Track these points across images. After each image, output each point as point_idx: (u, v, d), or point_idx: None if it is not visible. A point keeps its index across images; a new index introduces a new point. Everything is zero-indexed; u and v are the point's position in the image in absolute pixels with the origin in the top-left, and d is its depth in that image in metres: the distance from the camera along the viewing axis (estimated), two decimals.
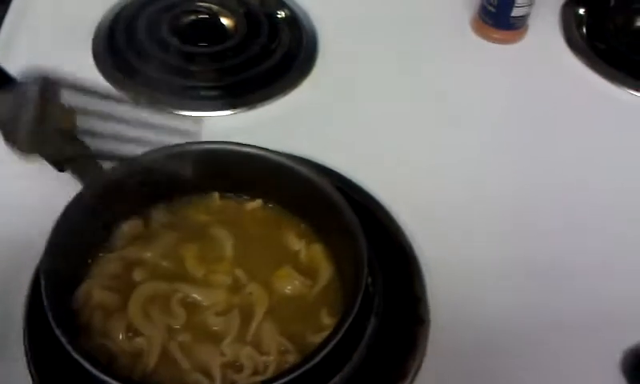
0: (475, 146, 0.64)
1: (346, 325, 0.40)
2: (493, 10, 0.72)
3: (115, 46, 0.68)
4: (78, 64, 0.66)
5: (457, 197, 0.59)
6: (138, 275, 0.47)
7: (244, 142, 0.51)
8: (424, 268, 0.53)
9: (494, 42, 0.74)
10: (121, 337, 0.44)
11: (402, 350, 0.48)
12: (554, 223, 0.58)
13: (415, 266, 0.53)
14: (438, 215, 0.57)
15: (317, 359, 0.38)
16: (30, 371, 0.45)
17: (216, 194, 0.51)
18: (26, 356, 0.46)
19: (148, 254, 0.48)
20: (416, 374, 0.47)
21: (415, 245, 0.54)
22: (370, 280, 0.49)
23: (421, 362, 0.48)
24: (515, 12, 0.71)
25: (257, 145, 0.51)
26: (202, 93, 0.66)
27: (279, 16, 0.73)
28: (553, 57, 0.73)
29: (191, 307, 0.46)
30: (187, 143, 0.50)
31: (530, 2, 0.71)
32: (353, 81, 0.69)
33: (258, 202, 0.52)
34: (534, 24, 0.75)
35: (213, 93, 0.66)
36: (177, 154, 0.49)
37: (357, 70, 0.70)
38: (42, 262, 0.41)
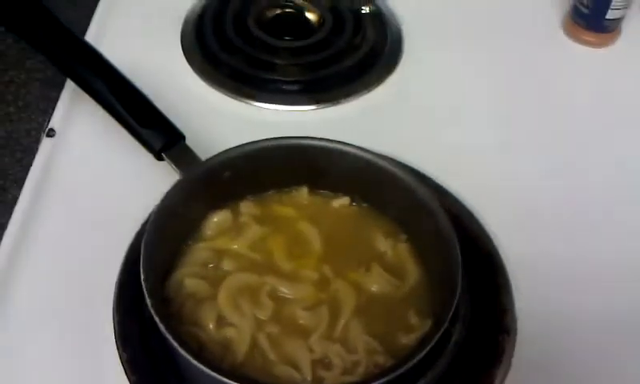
0: (564, 151, 0.62)
1: (443, 328, 0.39)
2: (585, 10, 0.69)
3: (203, 38, 0.69)
4: (167, 55, 0.68)
5: (546, 204, 0.57)
6: (227, 265, 0.47)
7: (326, 137, 0.51)
8: (511, 277, 0.51)
9: (584, 45, 0.71)
10: (211, 326, 0.44)
11: (488, 359, 0.47)
12: None
13: (503, 274, 0.51)
14: (526, 223, 0.55)
15: (411, 363, 0.38)
16: (119, 354, 0.46)
17: (305, 189, 0.51)
18: (116, 339, 0.47)
19: (236, 246, 0.49)
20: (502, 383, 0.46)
21: (502, 253, 0.52)
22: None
23: (506, 372, 0.46)
24: (610, 14, 0.69)
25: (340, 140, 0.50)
26: (285, 87, 0.66)
27: (364, 12, 0.72)
28: None
29: (279, 300, 0.46)
30: (279, 138, 0.50)
31: (626, 4, 0.69)
32: (437, 80, 0.68)
33: (345, 200, 0.51)
34: (626, 27, 0.72)
35: (295, 87, 0.66)
36: (269, 147, 0.49)
37: (442, 69, 0.69)
38: (142, 245, 0.42)
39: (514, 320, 0.49)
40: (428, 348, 0.38)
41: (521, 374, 0.46)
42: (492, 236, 0.54)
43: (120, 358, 0.46)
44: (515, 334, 0.48)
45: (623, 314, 0.50)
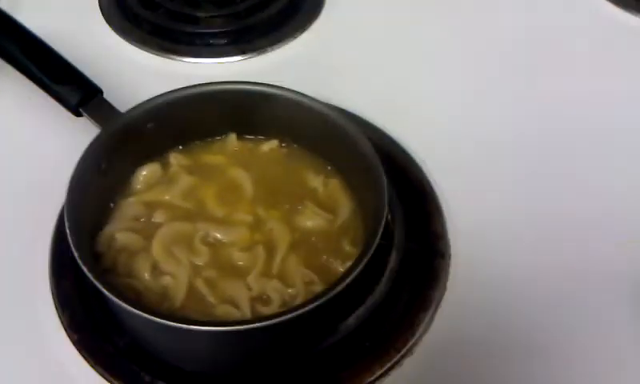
0: (493, 82, 0.63)
1: (371, 251, 0.40)
2: None
3: None
4: (86, 16, 0.66)
5: (476, 136, 0.58)
6: (159, 217, 0.47)
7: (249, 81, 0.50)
8: (444, 205, 0.52)
9: None
10: (147, 276, 0.44)
11: (424, 283, 0.48)
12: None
13: (434, 202, 0.53)
14: (455, 152, 0.57)
15: (342, 285, 0.39)
16: (59, 315, 0.46)
17: (233, 136, 0.51)
18: (54, 300, 0.46)
19: (168, 197, 0.48)
20: (437, 306, 0.47)
21: (433, 182, 0.54)
22: (389, 216, 0.50)
23: (442, 294, 0.48)
24: None
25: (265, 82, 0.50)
26: (209, 39, 0.66)
27: None
28: None
29: (214, 245, 0.46)
30: (200, 84, 0.49)
31: None
32: (360, 24, 0.68)
33: (274, 143, 0.52)
34: None
35: (220, 39, 0.66)
36: (191, 95, 0.49)
37: (364, 14, 0.69)
38: (65, 203, 0.41)
39: (447, 245, 0.50)
40: (358, 271, 0.39)
41: (456, 296, 0.48)
42: (422, 166, 0.55)
43: (60, 319, 0.46)
44: (449, 258, 0.50)
45: (549, 244, 0.51)
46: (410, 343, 0.45)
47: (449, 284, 0.49)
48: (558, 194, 0.54)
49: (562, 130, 0.59)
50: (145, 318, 0.38)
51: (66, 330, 0.45)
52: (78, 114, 0.47)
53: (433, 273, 0.49)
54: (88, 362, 0.44)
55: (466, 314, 0.47)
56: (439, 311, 0.47)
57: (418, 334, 0.46)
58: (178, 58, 0.63)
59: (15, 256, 0.49)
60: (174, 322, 0.38)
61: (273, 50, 0.65)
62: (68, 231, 0.40)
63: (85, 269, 0.38)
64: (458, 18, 0.69)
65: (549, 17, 0.70)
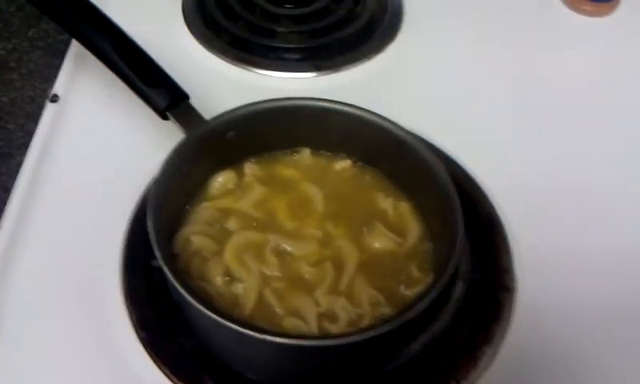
0: (563, 120, 0.62)
1: (445, 279, 0.40)
2: None
3: (204, 5, 0.69)
4: (169, 23, 0.68)
5: (546, 170, 0.58)
6: (232, 224, 0.48)
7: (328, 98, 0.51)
8: (511, 238, 0.52)
9: (584, 15, 0.72)
10: (219, 281, 0.45)
11: (488, 316, 0.48)
12: None
13: (501, 235, 0.52)
14: (525, 186, 0.56)
15: (416, 311, 0.39)
16: (128, 313, 0.47)
17: (307, 151, 0.52)
18: (124, 297, 0.48)
19: (240, 205, 0.49)
20: (501, 340, 0.47)
21: (501, 214, 0.53)
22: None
23: (506, 329, 0.47)
24: None
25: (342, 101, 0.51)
26: (285, 54, 0.67)
27: None
28: None
29: (283, 257, 0.47)
30: (281, 99, 0.51)
31: None
32: (436, 49, 0.69)
33: (347, 162, 0.52)
34: None
35: (296, 54, 0.67)
36: (272, 108, 0.50)
37: (441, 39, 0.70)
38: (148, 202, 0.43)
39: (513, 279, 0.50)
40: (431, 298, 0.39)
41: (520, 331, 0.47)
42: (491, 198, 0.55)
43: (129, 316, 0.47)
44: (515, 292, 0.49)
45: (621, 286, 0.51)
46: (472, 376, 0.45)
47: (513, 319, 0.48)
48: (628, 232, 0.53)
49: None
50: (219, 322, 0.38)
51: (134, 327, 0.46)
52: (165, 118, 0.48)
53: (497, 306, 0.48)
54: (154, 360, 0.45)
55: (530, 350, 0.47)
56: (502, 346, 0.47)
57: (479, 368, 0.45)
58: (255, 69, 0.65)
59: (88, 251, 0.50)
60: (246, 328, 0.38)
61: (347, 69, 0.66)
62: (150, 231, 0.41)
63: (166, 269, 0.39)
64: (533, 54, 0.69)
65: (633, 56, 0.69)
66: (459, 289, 0.48)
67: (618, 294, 0.50)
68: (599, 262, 0.52)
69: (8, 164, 0.57)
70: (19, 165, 0.56)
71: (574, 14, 0.72)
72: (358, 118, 0.50)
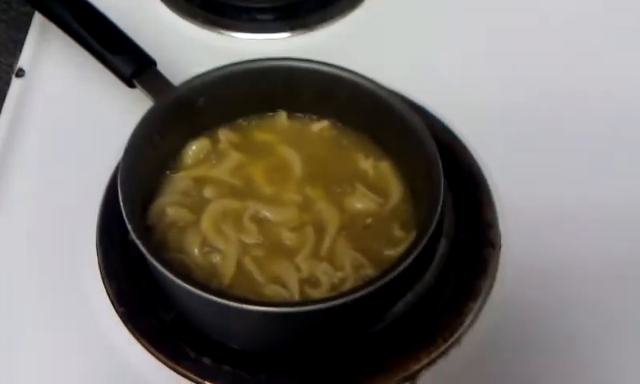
0: (554, 66, 0.61)
1: (426, 238, 0.39)
2: None
3: None
4: None
5: (531, 123, 0.56)
6: (208, 193, 0.47)
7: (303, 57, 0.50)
8: (495, 193, 0.51)
9: None
10: (196, 251, 0.44)
11: (473, 272, 0.47)
12: None
13: (486, 191, 0.51)
14: (509, 140, 0.55)
15: (396, 272, 0.38)
16: (106, 287, 0.46)
17: (283, 114, 0.51)
18: (100, 271, 0.47)
19: (216, 173, 0.48)
20: (486, 296, 0.46)
21: (484, 169, 0.52)
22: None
23: (492, 284, 0.47)
24: None
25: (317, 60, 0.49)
26: (257, 15, 0.65)
27: None
28: None
29: (263, 224, 0.46)
30: (252, 60, 0.49)
31: None
32: (411, 3, 0.67)
33: (324, 123, 0.51)
34: None
35: (268, 15, 0.65)
36: (243, 71, 0.49)
37: None
38: (119, 173, 0.41)
39: (497, 234, 0.49)
40: (412, 257, 0.38)
41: (505, 287, 0.47)
42: (473, 153, 0.54)
43: (107, 291, 0.46)
44: (500, 248, 0.49)
45: (606, 243, 0.50)
46: (458, 333, 0.44)
47: (498, 274, 0.47)
48: (616, 187, 0.53)
49: (628, 120, 0.57)
50: (196, 293, 0.37)
51: (112, 302, 0.45)
52: (132, 85, 0.47)
53: (482, 262, 0.48)
54: (133, 334, 0.44)
55: (515, 305, 0.46)
56: (488, 302, 0.46)
57: (465, 324, 0.45)
58: (227, 32, 0.63)
59: (64, 226, 0.49)
60: (225, 299, 0.38)
61: (322, 27, 0.64)
62: (122, 203, 0.40)
63: (139, 243, 0.38)
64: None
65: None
66: (443, 246, 0.48)
67: (603, 250, 0.49)
68: (585, 217, 0.51)
69: None
70: None
71: None
72: (333, 77, 0.49)
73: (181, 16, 0.64)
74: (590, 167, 0.54)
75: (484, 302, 0.46)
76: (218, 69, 0.48)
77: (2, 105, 0.56)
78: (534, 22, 0.65)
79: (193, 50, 0.60)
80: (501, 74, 0.60)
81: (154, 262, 0.38)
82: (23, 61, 0.59)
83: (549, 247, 0.49)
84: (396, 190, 0.47)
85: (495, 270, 0.48)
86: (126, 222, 0.39)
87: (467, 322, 0.45)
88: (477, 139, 0.54)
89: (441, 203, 0.41)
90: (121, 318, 0.45)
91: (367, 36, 0.64)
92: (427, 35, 0.64)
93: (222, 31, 0.63)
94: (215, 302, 0.37)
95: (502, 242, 0.49)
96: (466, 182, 0.52)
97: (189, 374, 0.42)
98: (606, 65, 0.62)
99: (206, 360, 0.42)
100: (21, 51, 0.60)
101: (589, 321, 0.46)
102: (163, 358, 0.42)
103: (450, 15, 0.66)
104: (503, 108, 0.58)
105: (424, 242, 0.39)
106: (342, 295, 0.38)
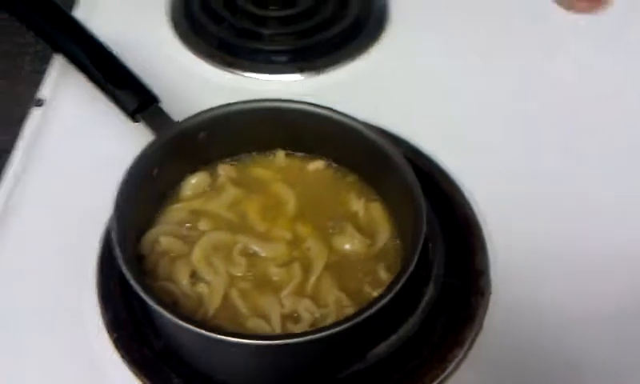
0: (549, 121, 0.61)
1: (405, 276, 0.39)
2: None
3: (190, 9, 0.70)
4: (155, 27, 0.69)
5: (527, 171, 0.57)
6: (203, 225, 0.48)
7: (299, 100, 0.51)
8: (488, 240, 0.51)
9: (576, 12, 0.71)
10: (184, 282, 0.45)
11: (460, 319, 0.47)
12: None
13: (479, 237, 0.52)
14: (506, 188, 0.55)
15: (373, 310, 0.38)
16: (101, 313, 0.47)
17: (281, 152, 0.52)
18: (98, 298, 0.48)
19: (213, 206, 0.50)
20: (472, 344, 0.46)
21: (480, 216, 0.53)
22: (430, 245, 0.49)
23: (477, 333, 0.47)
24: None
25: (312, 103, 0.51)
26: (272, 57, 0.67)
27: None
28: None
29: (252, 258, 0.47)
30: (255, 100, 0.51)
31: None
32: (422, 50, 0.68)
33: (320, 163, 0.52)
34: None
35: (281, 56, 0.67)
36: (244, 110, 0.50)
37: (427, 40, 0.69)
38: (114, 204, 0.43)
39: (488, 282, 0.49)
40: (390, 296, 0.39)
41: (492, 336, 0.47)
42: (469, 198, 0.54)
43: (102, 317, 0.47)
44: (489, 296, 0.49)
45: (597, 289, 0.50)
46: (440, 379, 0.44)
47: (485, 323, 0.47)
48: (608, 236, 0.52)
49: (616, 172, 0.57)
50: (174, 322, 0.38)
51: (106, 328, 0.46)
52: (136, 120, 0.49)
53: (470, 310, 0.48)
54: (125, 361, 0.45)
55: (501, 355, 0.46)
56: (473, 350, 0.46)
57: (448, 371, 0.45)
58: (240, 72, 0.65)
59: (64, 252, 0.51)
60: (205, 330, 0.38)
61: (331, 70, 0.66)
62: (113, 233, 0.42)
63: (124, 269, 0.40)
64: (522, 57, 0.68)
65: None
66: (430, 291, 0.48)
67: (595, 303, 0.49)
68: (577, 268, 0.51)
69: None
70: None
71: (568, 12, 0.71)
72: (330, 120, 0.50)
73: (199, 56, 0.66)
74: (587, 216, 0.54)
75: (469, 349, 0.46)
76: (219, 106, 0.50)
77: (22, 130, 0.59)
78: (535, 77, 0.66)
79: (204, 88, 0.62)
80: (505, 127, 0.61)
81: (137, 289, 0.39)
82: (44, 91, 0.63)
83: (539, 295, 0.49)
84: (384, 232, 0.48)
85: (483, 317, 0.47)
86: (116, 249, 0.41)
87: (450, 369, 0.45)
88: (476, 188, 0.55)
89: (422, 241, 0.41)
90: (114, 344, 0.46)
91: (375, 80, 0.65)
92: (434, 82, 0.65)
93: (236, 71, 0.65)
94: (193, 332, 0.38)
95: (492, 288, 0.49)
96: (460, 229, 0.52)
97: None
98: (602, 115, 0.62)
99: None
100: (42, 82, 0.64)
101: (576, 373, 0.45)
102: None
103: (457, 63, 0.67)
104: (504, 159, 0.58)
105: (403, 280, 0.39)
106: (317, 330, 0.38)
